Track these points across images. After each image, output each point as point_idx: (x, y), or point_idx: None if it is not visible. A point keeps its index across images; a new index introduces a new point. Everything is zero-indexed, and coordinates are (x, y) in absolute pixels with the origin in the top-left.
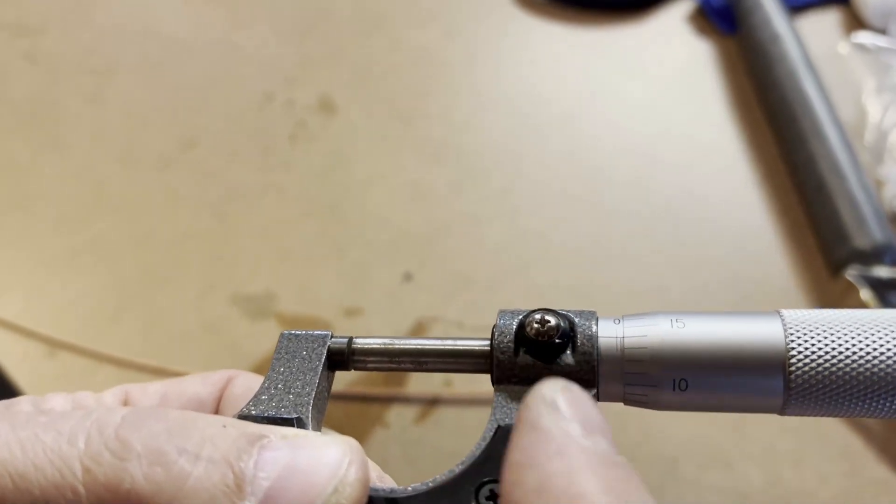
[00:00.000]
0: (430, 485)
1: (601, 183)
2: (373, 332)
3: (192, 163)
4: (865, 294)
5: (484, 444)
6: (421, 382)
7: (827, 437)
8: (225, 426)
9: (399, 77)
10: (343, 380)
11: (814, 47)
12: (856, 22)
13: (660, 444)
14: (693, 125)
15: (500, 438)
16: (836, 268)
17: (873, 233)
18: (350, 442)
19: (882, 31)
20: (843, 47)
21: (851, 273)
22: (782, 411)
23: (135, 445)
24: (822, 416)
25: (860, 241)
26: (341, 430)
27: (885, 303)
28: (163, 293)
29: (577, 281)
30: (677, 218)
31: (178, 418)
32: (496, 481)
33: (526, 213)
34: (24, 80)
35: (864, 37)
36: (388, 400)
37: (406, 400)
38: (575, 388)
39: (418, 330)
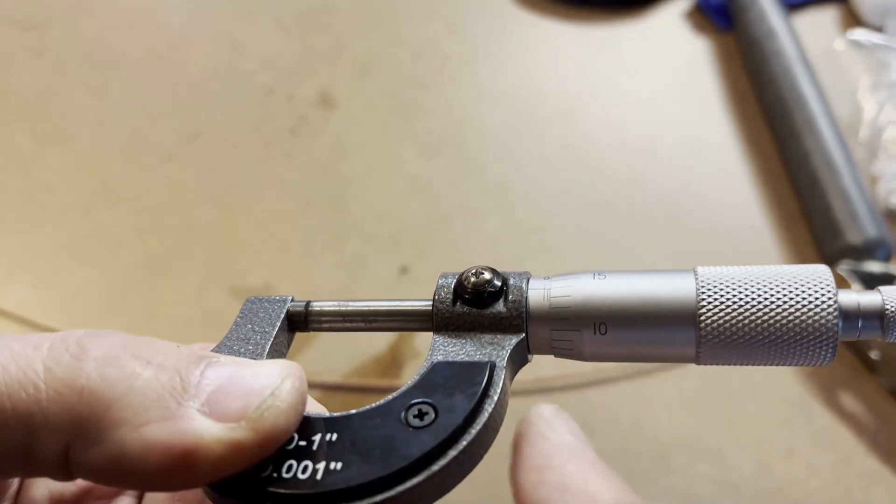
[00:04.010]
0: (367, 408)
1: (598, 177)
2: None
3: (195, 155)
4: (856, 288)
5: (419, 377)
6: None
7: (817, 428)
8: (179, 347)
9: (399, 71)
10: (340, 371)
11: (810, 44)
12: (853, 19)
13: (652, 435)
14: (690, 121)
15: (435, 371)
16: (828, 262)
17: (866, 228)
18: (292, 363)
19: (878, 29)
20: (840, 44)
21: (843, 267)
22: (697, 360)
23: (93, 350)
24: (735, 364)
25: (852, 236)
26: None
27: None
28: (164, 284)
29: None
30: (672, 211)
31: (135, 336)
32: (425, 402)
33: (523, 206)
34: (31, 74)
35: (860, 34)
36: (385, 391)
37: None
38: (563, 412)
39: None
